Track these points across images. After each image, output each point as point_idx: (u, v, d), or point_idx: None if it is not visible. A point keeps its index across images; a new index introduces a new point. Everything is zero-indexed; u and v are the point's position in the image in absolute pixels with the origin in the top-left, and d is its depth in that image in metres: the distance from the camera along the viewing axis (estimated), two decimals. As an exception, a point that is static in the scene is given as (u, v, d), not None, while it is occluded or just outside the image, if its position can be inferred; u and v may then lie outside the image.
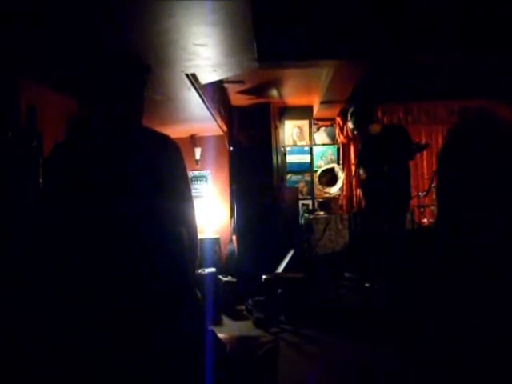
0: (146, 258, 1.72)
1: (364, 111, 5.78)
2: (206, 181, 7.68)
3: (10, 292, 2.04)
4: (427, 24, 4.17)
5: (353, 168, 7.19)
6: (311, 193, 7.69)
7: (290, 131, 7.76)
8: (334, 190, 7.26)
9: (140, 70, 1.94)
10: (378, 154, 5.71)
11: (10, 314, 1.97)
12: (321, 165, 7.60)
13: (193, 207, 1.95)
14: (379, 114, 7.11)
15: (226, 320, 5.54)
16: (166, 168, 1.83)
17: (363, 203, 6.47)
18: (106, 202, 1.73)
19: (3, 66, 3.57)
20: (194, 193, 1.99)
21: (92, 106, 1.93)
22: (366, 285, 5.45)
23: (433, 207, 6.56)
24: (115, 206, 1.73)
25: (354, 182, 7.25)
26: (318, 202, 7.27)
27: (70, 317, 1.69)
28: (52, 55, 3.60)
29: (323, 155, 7.70)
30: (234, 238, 7.00)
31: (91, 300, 1.68)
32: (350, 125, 6.89)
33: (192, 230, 1.92)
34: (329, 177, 7.31)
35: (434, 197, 6.47)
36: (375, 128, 5.75)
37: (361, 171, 5.97)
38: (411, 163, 5.88)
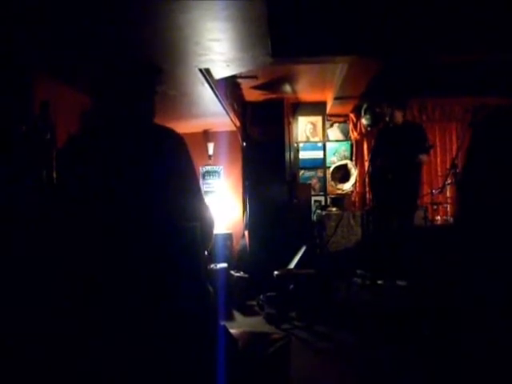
0: (157, 254, 1.72)
1: (394, 96, 5.77)
2: (219, 176, 7.69)
3: (15, 288, 2.05)
4: (444, 22, 4.13)
5: (366, 164, 7.14)
6: (324, 189, 7.66)
7: (303, 127, 7.73)
8: (347, 187, 7.23)
9: (151, 71, 1.97)
10: (390, 148, 5.69)
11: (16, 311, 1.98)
12: (334, 161, 7.57)
13: (202, 200, 1.94)
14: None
15: (237, 315, 5.55)
16: (171, 162, 1.84)
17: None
18: (116, 196, 1.74)
19: (17, 60, 3.59)
20: (202, 186, 1.98)
21: (103, 103, 1.94)
22: (379, 282, 5.43)
23: (446, 205, 6.50)
24: (125, 201, 1.74)
25: (367, 179, 7.20)
26: (331, 198, 7.25)
27: (79, 312, 1.70)
28: (65, 51, 3.62)
29: (336, 151, 7.66)
30: (246, 233, 6.99)
31: (100, 295, 1.69)
32: (364, 121, 6.87)
33: (204, 224, 1.91)
34: (342, 173, 7.28)
35: (449, 194, 6.44)
36: (399, 116, 5.71)
37: (372, 165, 5.95)
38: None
